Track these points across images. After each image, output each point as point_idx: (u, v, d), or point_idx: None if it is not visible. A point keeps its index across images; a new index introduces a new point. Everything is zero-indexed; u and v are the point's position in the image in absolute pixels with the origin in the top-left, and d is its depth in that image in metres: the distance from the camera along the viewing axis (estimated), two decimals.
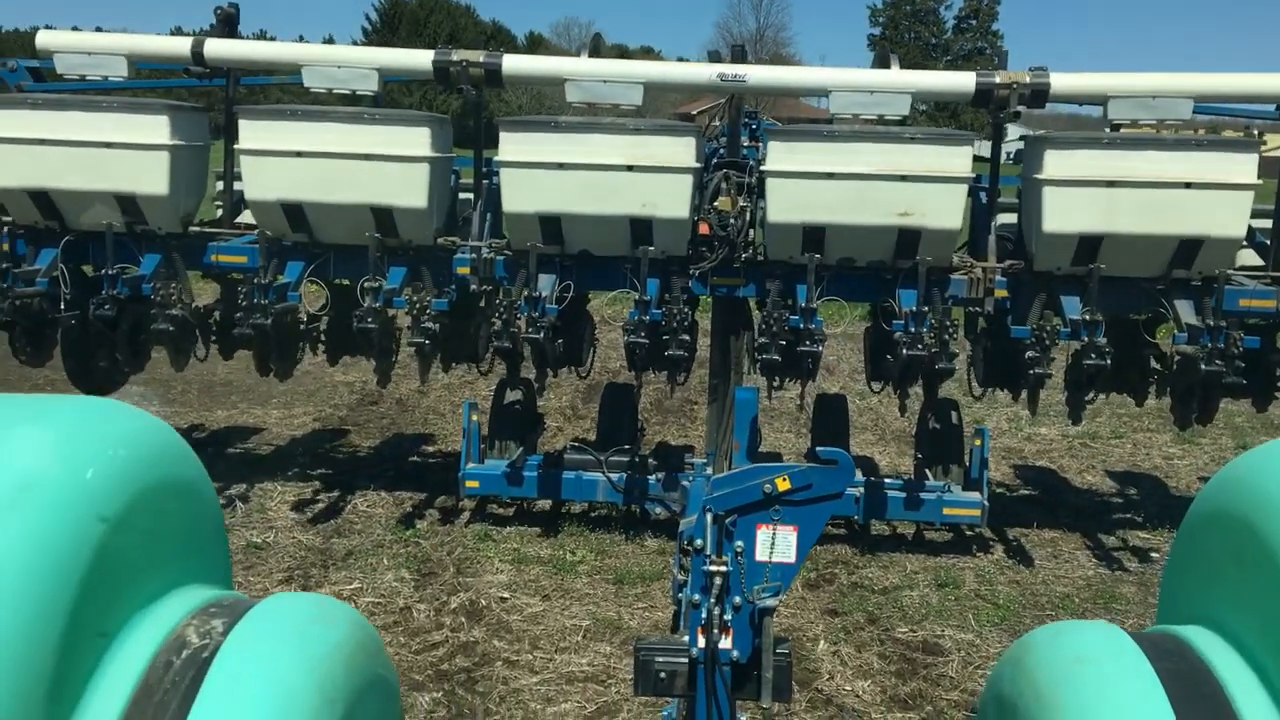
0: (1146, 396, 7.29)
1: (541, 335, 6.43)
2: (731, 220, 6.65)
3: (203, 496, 2.08)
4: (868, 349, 7.64)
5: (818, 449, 2.98)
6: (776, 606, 2.90)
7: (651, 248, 6.62)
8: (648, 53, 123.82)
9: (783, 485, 2.89)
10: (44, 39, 7.31)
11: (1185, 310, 6.53)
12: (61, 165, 6.79)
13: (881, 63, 8.09)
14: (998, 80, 6.54)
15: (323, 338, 7.41)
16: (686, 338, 6.59)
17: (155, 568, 1.86)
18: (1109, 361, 6.31)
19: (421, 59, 6.91)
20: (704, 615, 2.86)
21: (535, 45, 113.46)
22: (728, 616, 2.87)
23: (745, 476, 2.95)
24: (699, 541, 2.92)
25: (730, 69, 6.80)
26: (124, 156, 6.78)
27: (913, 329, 6.33)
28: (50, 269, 6.98)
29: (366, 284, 6.65)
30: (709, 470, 6.21)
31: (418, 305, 6.68)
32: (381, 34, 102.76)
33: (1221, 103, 7.27)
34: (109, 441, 1.81)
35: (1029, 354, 6.49)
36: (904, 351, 6.30)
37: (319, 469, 8.63)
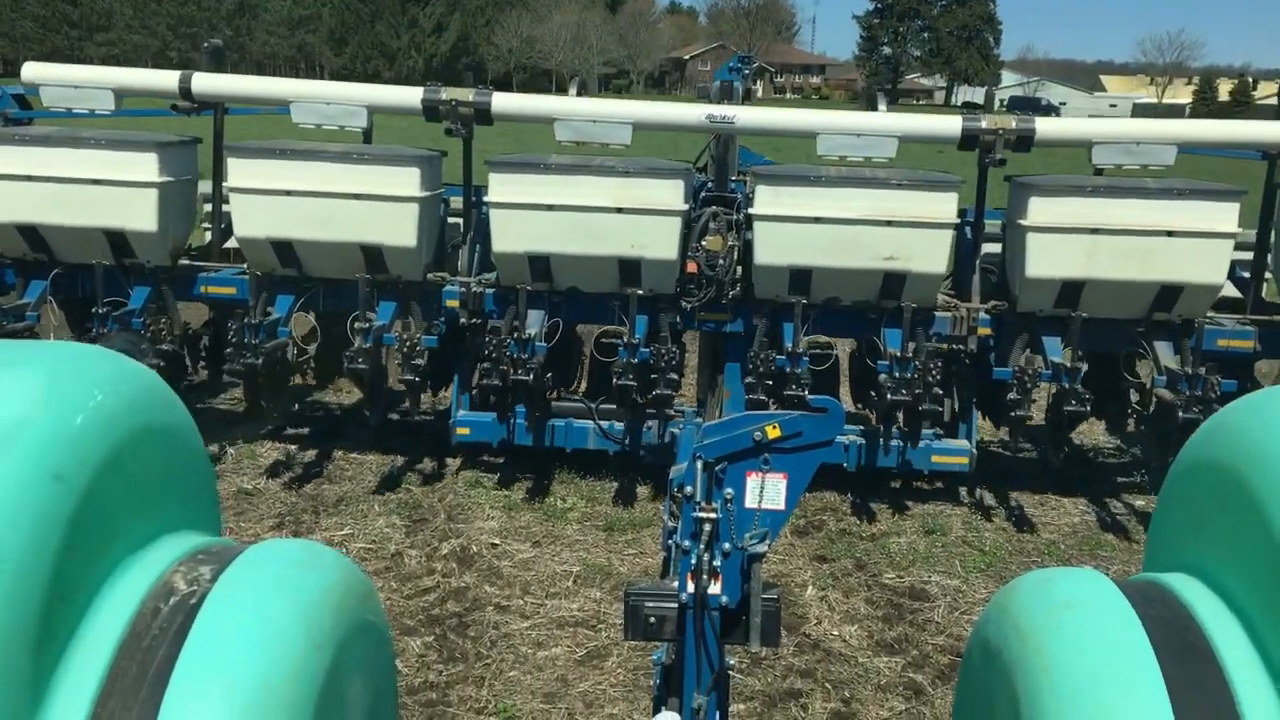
0: (1124, 428, 7.41)
1: (531, 377, 6.46)
2: (720, 260, 6.72)
3: (189, 442, 2.07)
4: (852, 374, 7.72)
5: (808, 397, 2.98)
6: (766, 553, 2.91)
7: (640, 288, 6.71)
8: None
9: (773, 433, 2.90)
10: (30, 71, 7.28)
11: (1165, 352, 6.64)
12: (50, 201, 6.78)
13: (869, 103, 8.11)
14: (984, 125, 6.69)
15: (312, 364, 7.39)
16: (674, 376, 6.64)
17: (142, 514, 1.85)
18: (1089, 408, 6.39)
19: (410, 96, 6.98)
20: (693, 561, 2.88)
21: None
22: (717, 563, 2.89)
23: (735, 424, 2.95)
24: (689, 488, 2.93)
25: (719, 110, 6.96)
26: (112, 193, 6.78)
27: (897, 374, 6.42)
28: (39, 302, 6.97)
29: (356, 324, 6.65)
30: (699, 418, 6.23)
31: (408, 343, 6.69)
32: None
33: (1205, 149, 7.38)
34: (93, 386, 1.79)
35: (1011, 395, 6.57)
36: (889, 396, 6.37)
37: (305, 424, 8.61)
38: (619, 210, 6.52)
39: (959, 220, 6.73)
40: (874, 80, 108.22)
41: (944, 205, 6.50)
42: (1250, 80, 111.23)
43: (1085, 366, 6.39)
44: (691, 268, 6.78)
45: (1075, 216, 6.42)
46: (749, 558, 2.90)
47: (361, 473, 7.45)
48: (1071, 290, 6.53)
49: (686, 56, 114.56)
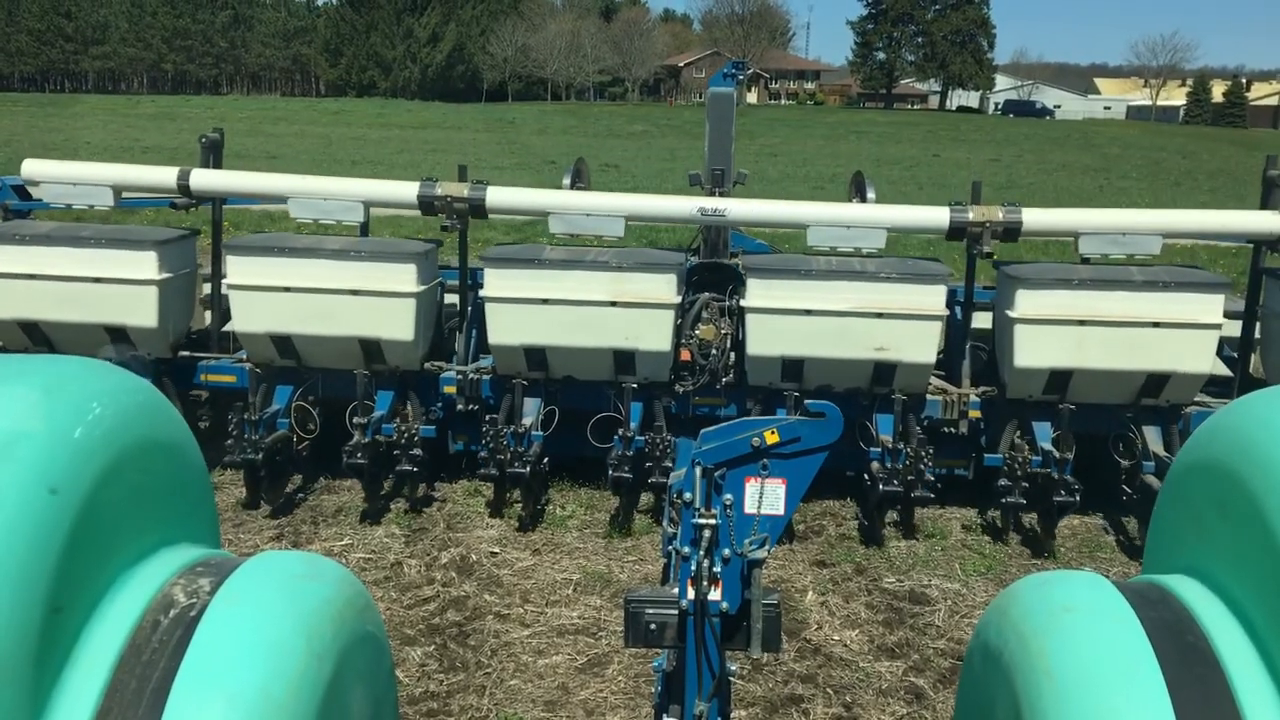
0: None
1: (528, 471, 6.48)
2: (713, 350, 6.83)
3: (187, 455, 2.07)
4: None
5: (807, 402, 2.98)
6: (765, 559, 2.91)
7: (634, 378, 6.80)
8: (634, 3, 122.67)
9: (771, 439, 2.89)
10: (29, 168, 7.38)
11: (1153, 437, 6.68)
12: (51, 299, 6.86)
13: (858, 191, 8.16)
14: (971, 217, 6.80)
15: (305, 452, 7.38)
16: (670, 464, 6.64)
17: (141, 526, 1.85)
18: (1078, 499, 6.41)
19: (406, 191, 7.09)
20: (693, 567, 2.87)
21: None
22: (717, 569, 2.89)
23: (734, 430, 2.95)
24: (688, 495, 2.93)
25: (710, 204, 7.07)
26: (113, 291, 6.85)
27: (889, 463, 6.45)
28: None
29: (355, 419, 6.68)
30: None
31: (406, 434, 6.74)
32: None
33: (1191, 238, 7.43)
34: (91, 399, 1.79)
35: (1001, 482, 6.61)
36: (881, 488, 6.39)
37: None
38: (613, 304, 6.62)
39: (947, 312, 6.78)
40: (869, 85, 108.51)
41: (933, 297, 6.59)
42: (1244, 82, 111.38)
43: (1072, 455, 6.43)
44: (685, 355, 6.90)
45: (1062, 308, 6.48)
46: (749, 563, 2.90)
47: (359, 483, 7.43)
48: (1060, 378, 6.60)
49: (681, 64, 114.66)
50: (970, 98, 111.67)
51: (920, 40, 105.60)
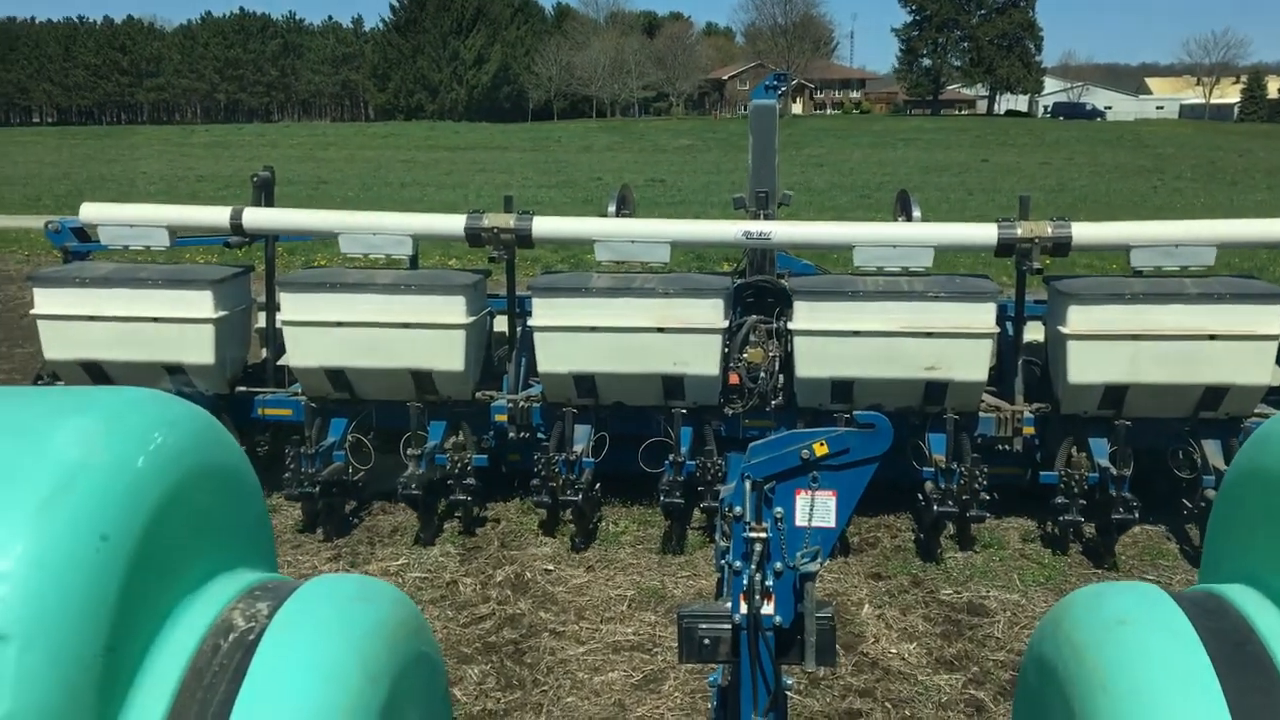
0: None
1: (580, 497, 6.53)
2: (762, 373, 6.83)
3: (244, 481, 2.11)
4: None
5: (855, 413, 2.97)
6: (818, 571, 2.90)
7: (683, 402, 6.83)
8: (677, 18, 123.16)
9: (820, 450, 2.88)
10: (87, 212, 7.62)
11: (1212, 450, 6.56)
12: (111, 339, 7.05)
13: (904, 208, 8.10)
14: (1019, 233, 6.69)
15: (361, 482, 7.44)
16: (720, 488, 6.63)
17: (201, 552, 1.89)
18: (1137, 515, 6.31)
19: (454, 224, 7.19)
20: (745, 582, 2.87)
21: (562, 16, 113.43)
22: (769, 582, 2.88)
23: (783, 443, 2.94)
24: (738, 509, 2.93)
25: (755, 226, 7.08)
26: (171, 330, 7.03)
27: (943, 483, 6.41)
28: None
29: (409, 450, 6.78)
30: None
31: (459, 464, 6.82)
32: (409, 9, 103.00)
33: (1244, 249, 7.28)
34: (152, 428, 1.83)
35: (1057, 500, 6.53)
36: (936, 508, 6.34)
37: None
38: (660, 330, 6.63)
39: (998, 329, 6.70)
40: (915, 92, 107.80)
41: (983, 315, 6.52)
42: None
43: (1130, 471, 6.34)
44: (733, 379, 6.90)
45: (1116, 323, 6.39)
46: (801, 576, 2.89)
47: None
48: (1115, 393, 6.51)
49: (725, 77, 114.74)
50: (1019, 101, 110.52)
51: (966, 45, 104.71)
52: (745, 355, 6.90)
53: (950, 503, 6.33)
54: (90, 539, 1.60)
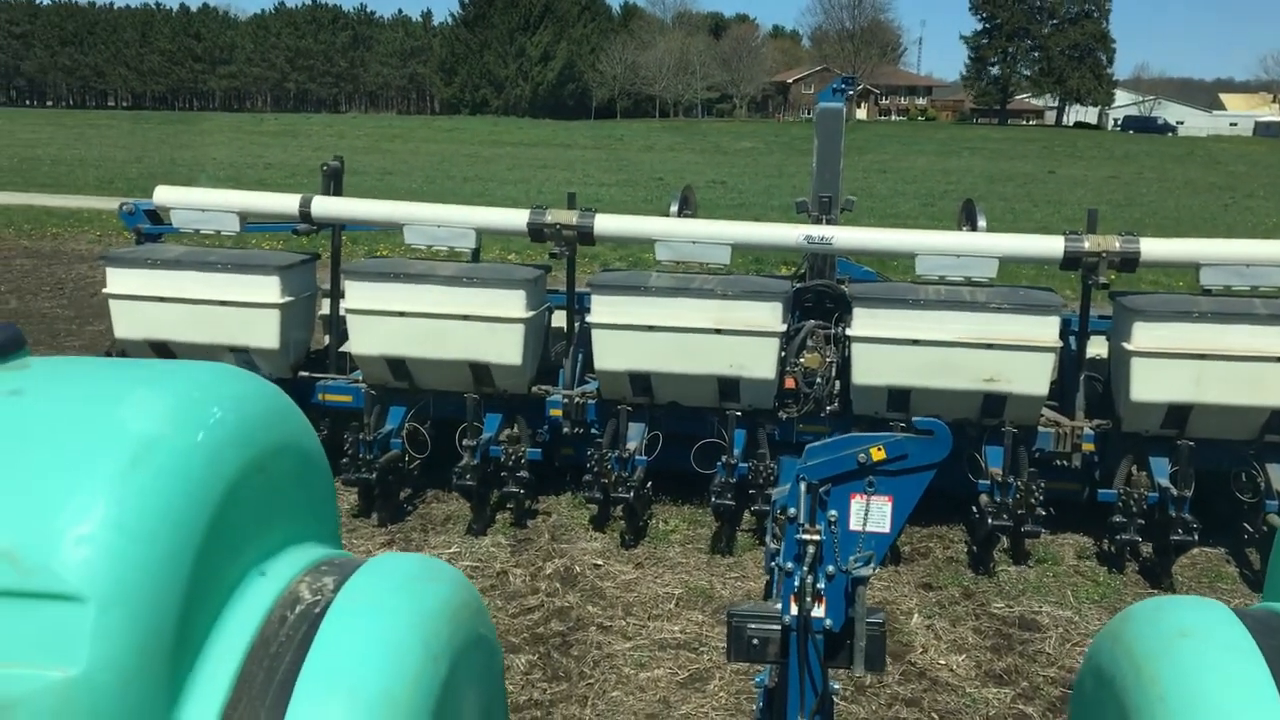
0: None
1: (631, 495, 6.55)
2: (818, 379, 6.83)
3: (313, 458, 2.16)
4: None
5: (915, 419, 2.96)
6: (870, 576, 2.89)
7: (738, 405, 6.83)
8: (743, 20, 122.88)
9: (877, 455, 2.88)
10: (161, 195, 7.80)
11: (1276, 474, 6.44)
12: (180, 320, 7.22)
13: (969, 218, 8.04)
14: (1087, 247, 6.60)
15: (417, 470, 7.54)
16: (771, 491, 6.64)
17: (269, 526, 1.94)
18: (1196, 538, 6.20)
19: (517, 219, 7.26)
20: (796, 583, 2.88)
21: (629, 15, 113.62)
22: (820, 585, 2.88)
23: (840, 445, 2.94)
24: (792, 510, 2.93)
25: (816, 231, 7.07)
26: (237, 313, 7.20)
27: (998, 497, 6.34)
28: None
29: (465, 441, 6.85)
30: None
31: (514, 456, 6.89)
32: (477, 5, 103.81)
33: None
34: (225, 405, 1.89)
35: (1115, 518, 6.43)
36: (990, 522, 6.28)
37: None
38: (718, 331, 6.65)
39: (1060, 344, 6.61)
40: (982, 100, 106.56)
41: (1046, 329, 6.45)
42: None
43: (1191, 492, 6.23)
44: (789, 383, 6.90)
45: (1182, 342, 6.29)
46: (853, 581, 2.89)
47: None
48: (1178, 413, 6.41)
49: (790, 80, 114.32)
50: (1088, 114, 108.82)
51: (1036, 54, 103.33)
52: (802, 360, 6.89)
53: (1005, 517, 6.27)
54: (169, 506, 1.65)
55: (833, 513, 2.91)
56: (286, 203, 7.61)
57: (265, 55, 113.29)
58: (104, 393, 1.87)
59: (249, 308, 7.17)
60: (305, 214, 7.48)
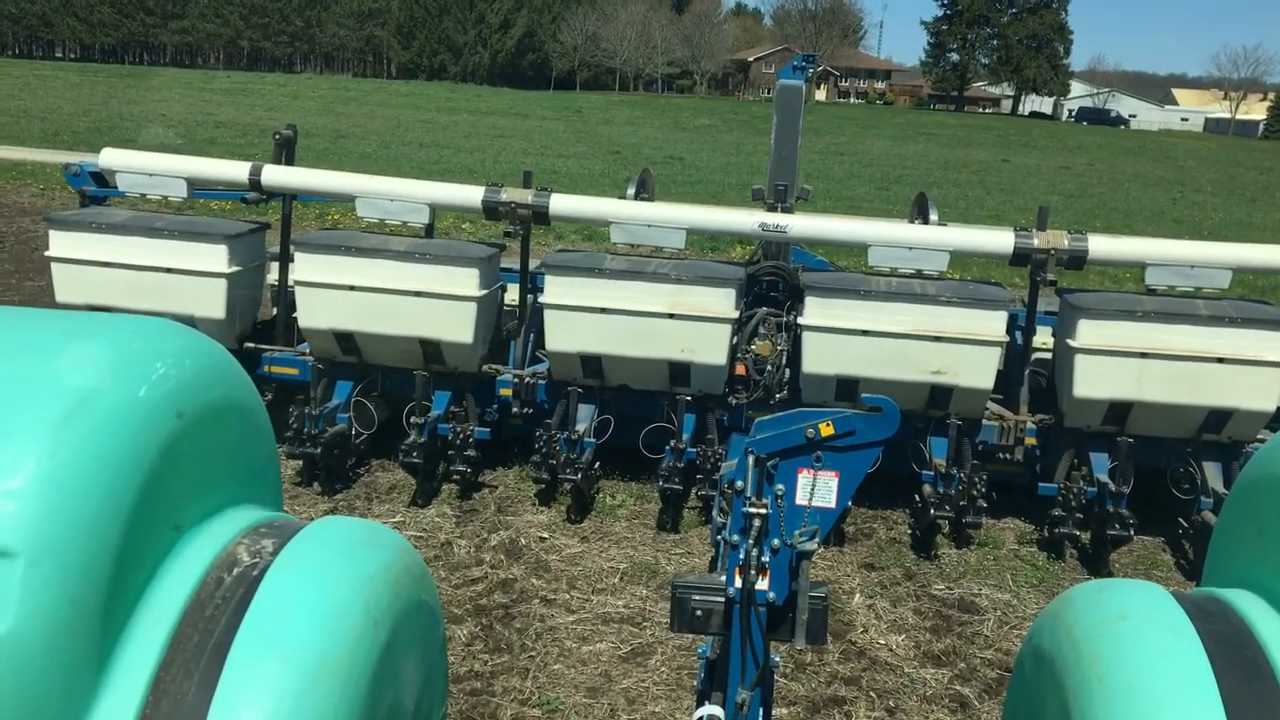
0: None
1: (579, 476, 6.54)
2: (768, 366, 6.85)
3: (256, 419, 2.12)
4: None
5: (863, 395, 2.97)
6: (815, 550, 2.90)
7: (688, 389, 6.84)
8: None
9: (826, 430, 2.89)
10: (108, 157, 7.58)
11: (1213, 473, 6.58)
12: (123, 287, 7.06)
13: (920, 211, 8.08)
14: (1036, 243, 6.71)
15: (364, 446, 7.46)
16: (722, 465, 6.66)
17: (209, 487, 1.90)
18: (1133, 533, 6.32)
19: (472, 195, 7.20)
20: (742, 556, 2.88)
21: None
22: (765, 558, 2.89)
23: (789, 420, 2.94)
24: (739, 483, 2.93)
25: (772, 219, 7.08)
26: (183, 282, 7.05)
27: (941, 489, 6.41)
28: None
29: (413, 419, 6.78)
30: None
31: (461, 435, 6.83)
32: None
33: (1260, 274, 7.29)
34: (168, 360, 1.84)
35: (1055, 512, 6.54)
36: (932, 512, 6.35)
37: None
38: (671, 316, 6.64)
39: (1007, 338, 6.71)
40: (940, 87, 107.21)
41: (994, 323, 6.52)
42: None
43: (1129, 488, 6.35)
44: (740, 370, 6.93)
45: (1125, 340, 6.39)
46: (798, 555, 2.90)
47: None
48: (1119, 410, 6.52)
49: (751, 59, 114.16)
50: (1043, 103, 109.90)
51: (995, 43, 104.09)
52: (753, 347, 6.91)
53: (947, 507, 6.36)
54: (104, 461, 1.60)
55: (780, 487, 2.91)
56: (237, 170, 7.47)
57: (219, 11, 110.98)
58: (41, 343, 1.82)
59: (195, 276, 7.04)
60: (256, 182, 7.35)
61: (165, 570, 1.74)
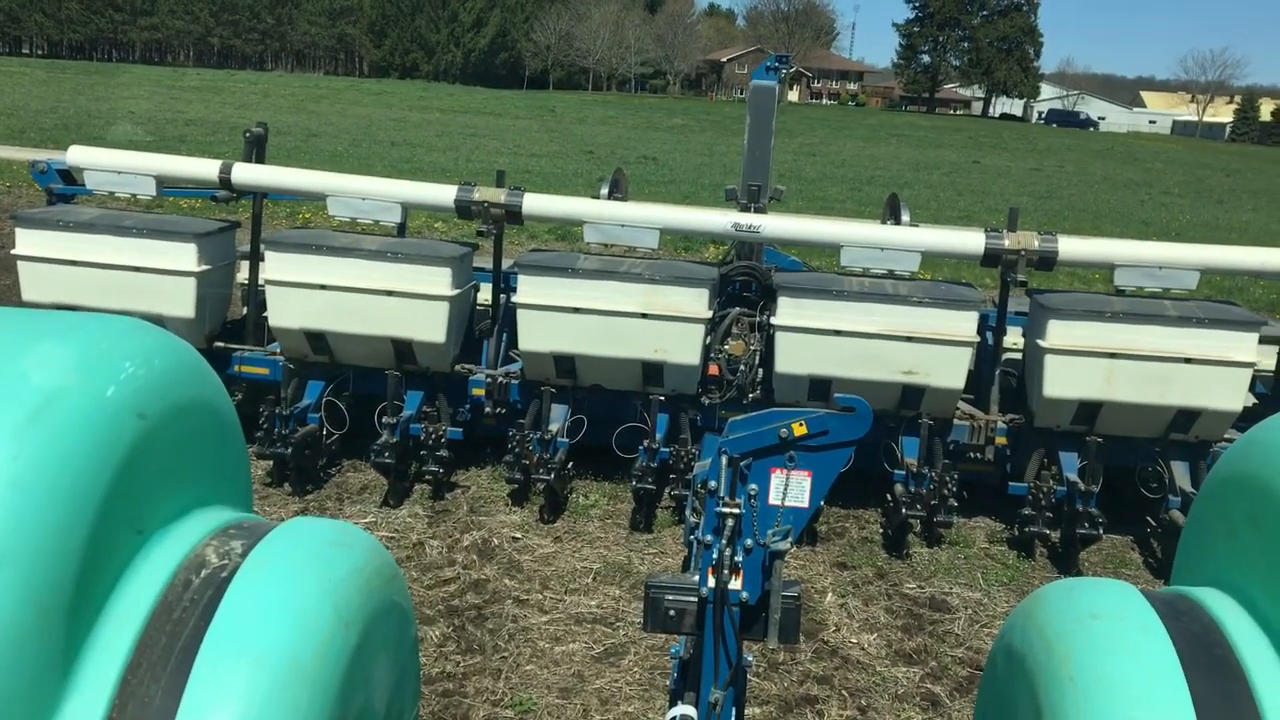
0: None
1: (552, 476, 6.53)
2: (741, 366, 6.87)
3: (225, 419, 2.09)
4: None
5: (836, 395, 2.97)
6: (788, 550, 2.90)
7: (662, 389, 6.84)
8: None
9: (799, 430, 2.89)
10: (75, 155, 7.50)
11: (1180, 472, 6.64)
12: (91, 286, 6.97)
13: (892, 212, 8.13)
14: (1006, 244, 6.77)
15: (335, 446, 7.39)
16: (695, 466, 6.66)
17: (177, 487, 1.87)
18: (1101, 532, 6.37)
19: (444, 194, 7.18)
20: (715, 556, 2.88)
21: None
22: (738, 558, 2.89)
23: (762, 420, 2.94)
24: (713, 483, 2.93)
25: (744, 219, 7.11)
26: (152, 280, 6.97)
27: (912, 488, 6.45)
28: None
29: (384, 419, 6.74)
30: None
31: (433, 435, 6.80)
32: None
33: (1227, 275, 7.39)
34: (136, 359, 1.81)
35: (1025, 511, 6.58)
36: (904, 511, 6.38)
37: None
38: (644, 316, 6.64)
39: (978, 339, 6.74)
40: (912, 88, 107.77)
41: (965, 323, 6.56)
42: None
43: (1098, 487, 6.40)
44: (713, 370, 6.93)
45: (1094, 340, 6.45)
46: (771, 554, 2.90)
47: None
48: (1089, 410, 6.57)
49: (724, 59, 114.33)
50: (1014, 105, 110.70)
51: (966, 45, 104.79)
52: (726, 347, 6.92)
53: (919, 506, 6.39)
54: (70, 462, 1.58)
55: (753, 486, 2.91)
56: (206, 168, 7.40)
57: (188, 8, 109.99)
58: (6, 343, 1.79)
59: (164, 275, 6.97)
60: (225, 180, 7.28)
61: (132, 572, 1.72)
